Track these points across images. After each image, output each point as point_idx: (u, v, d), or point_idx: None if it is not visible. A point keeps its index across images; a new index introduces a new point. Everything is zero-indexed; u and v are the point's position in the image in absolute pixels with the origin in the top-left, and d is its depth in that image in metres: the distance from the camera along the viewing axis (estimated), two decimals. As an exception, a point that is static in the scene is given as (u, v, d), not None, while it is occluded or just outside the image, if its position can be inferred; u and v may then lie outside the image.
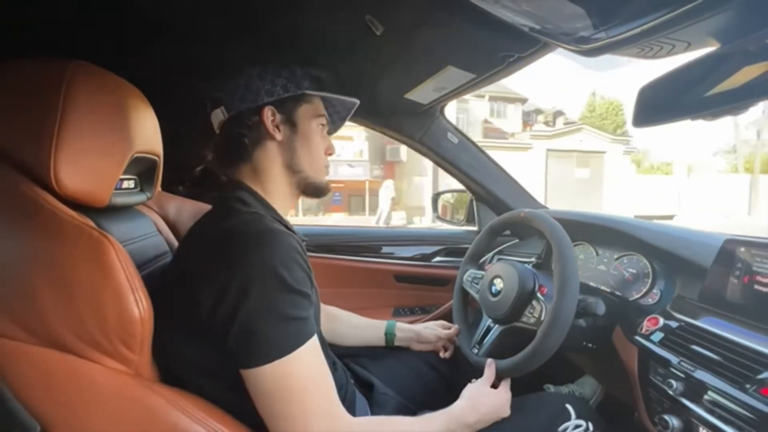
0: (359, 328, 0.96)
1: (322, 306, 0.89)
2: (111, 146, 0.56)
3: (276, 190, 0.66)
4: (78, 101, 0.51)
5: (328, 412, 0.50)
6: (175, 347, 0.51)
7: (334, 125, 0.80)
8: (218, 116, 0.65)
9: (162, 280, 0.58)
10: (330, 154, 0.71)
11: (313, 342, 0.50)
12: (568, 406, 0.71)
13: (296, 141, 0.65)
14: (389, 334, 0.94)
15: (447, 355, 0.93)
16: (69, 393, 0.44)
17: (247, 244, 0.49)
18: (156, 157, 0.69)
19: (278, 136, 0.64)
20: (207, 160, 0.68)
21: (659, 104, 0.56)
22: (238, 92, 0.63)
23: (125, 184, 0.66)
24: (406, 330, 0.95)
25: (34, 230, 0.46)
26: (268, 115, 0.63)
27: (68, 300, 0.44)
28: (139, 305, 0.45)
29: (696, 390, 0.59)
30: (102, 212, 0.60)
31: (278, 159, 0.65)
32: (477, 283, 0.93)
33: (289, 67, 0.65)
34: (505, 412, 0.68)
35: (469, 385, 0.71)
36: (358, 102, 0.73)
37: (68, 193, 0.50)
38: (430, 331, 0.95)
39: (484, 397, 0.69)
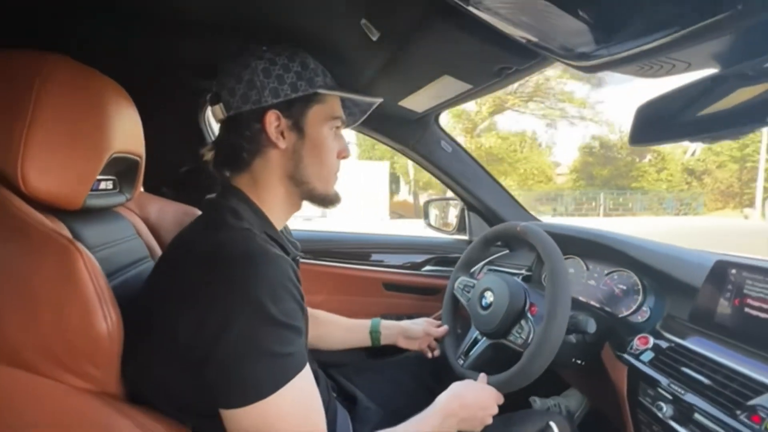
0: (344, 330, 0.94)
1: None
2: (87, 145, 0.53)
3: (274, 201, 0.59)
4: (52, 96, 0.48)
5: None
6: (148, 367, 0.48)
7: (353, 117, 0.72)
8: (217, 113, 0.58)
9: (141, 292, 0.54)
10: (344, 157, 0.63)
11: (302, 375, 0.46)
12: (552, 424, 0.72)
13: (303, 149, 0.58)
14: (374, 333, 0.92)
15: (435, 354, 0.92)
16: (25, 414, 0.40)
17: (233, 268, 0.44)
18: (137, 158, 0.66)
19: (282, 144, 0.57)
20: (204, 160, 0.62)
21: (655, 124, 0.56)
22: (239, 90, 0.55)
23: (102, 185, 0.62)
24: (392, 327, 0.92)
25: None
26: (272, 120, 0.55)
27: (30, 312, 0.41)
28: (107, 320, 0.42)
29: (686, 414, 0.58)
30: (75, 215, 0.56)
31: (280, 169, 0.58)
32: (468, 292, 0.92)
33: (301, 58, 0.58)
34: (491, 407, 0.67)
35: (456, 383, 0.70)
36: (380, 100, 0.67)
37: (37, 195, 0.47)
38: (417, 326, 0.93)
39: (468, 387, 0.68)
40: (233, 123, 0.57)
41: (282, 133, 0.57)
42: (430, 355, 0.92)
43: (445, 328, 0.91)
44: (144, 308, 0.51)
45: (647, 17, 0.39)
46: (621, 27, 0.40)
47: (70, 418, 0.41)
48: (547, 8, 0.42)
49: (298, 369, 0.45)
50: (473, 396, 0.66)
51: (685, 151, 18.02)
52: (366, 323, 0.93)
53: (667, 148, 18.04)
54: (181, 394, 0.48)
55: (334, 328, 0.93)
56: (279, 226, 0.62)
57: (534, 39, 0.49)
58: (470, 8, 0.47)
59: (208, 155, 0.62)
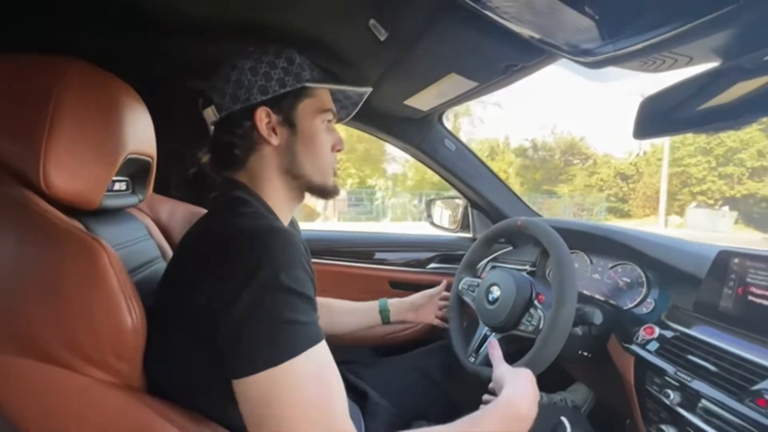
0: (354, 313, 0.96)
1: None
2: (104, 147, 0.54)
3: (275, 196, 0.60)
4: (71, 100, 0.49)
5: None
6: (166, 360, 0.48)
7: (345, 110, 0.72)
8: (210, 116, 0.59)
9: (156, 288, 0.54)
10: (338, 150, 0.63)
11: (318, 349, 0.44)
12: (564, 419, 0.72)
13: (296, 144, 0.58)
14: (384, 311, 0.94)
15: (442, 313, 0.99)
16: (55, 406, 0.41)
17: (246, 240, 0.45)
18: (149, 159, 0.67)
19: (274, 141, 0.57)
20: (202, 162, 0.63)
21: (659, 117, 0.57)
22: (228, 90, 0.56)
23: (117, 186, 0.63)
24: (398, 303, 0.96)
25: (22, 234, 0.43)
26: (262, 117, 0.56)
27: (57, 309, 0.41)
28: (132, 314, 0.43)
29: (693, 400, 0.59)
30: (92, 215, 0.57)
31: (276, 165, 0.58)
32: (473, 291, 0.93)
33: (287, 54, 0.58)
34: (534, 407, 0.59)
35: (499, 371, 0.64)
36: (371, 89, 0.66)
37: (58, 195, 0.48)
38: (420, 297, 0.98)
39: (524, 383, 0.61)
40: (225, 123, 0.58)
41: (273, 129, 0.57)
42: (439, 324, 0.96)
43: (443, 285, 0.98)
44: (159, 302, 0.52)
45: (653, 13, 0.40)
46: (627, 23, 0.42)
47: (95, 411, 0.42)
48: (554, 5, 0.43)
49: (313, 340, 0.43)
50: (528, 391, 0.60)
51: (630, 154, 17.80)
52: (374, 304, 0.96)
53: (600, 152, 17.95)
54: (196, 377, 0.48)
55: (345, 313, 0.95)
56: (284, 220, 0.62)
57: (540, 36, 0.50)
58: (478, 7, 0.48)
59: (205, 158, 0.62)
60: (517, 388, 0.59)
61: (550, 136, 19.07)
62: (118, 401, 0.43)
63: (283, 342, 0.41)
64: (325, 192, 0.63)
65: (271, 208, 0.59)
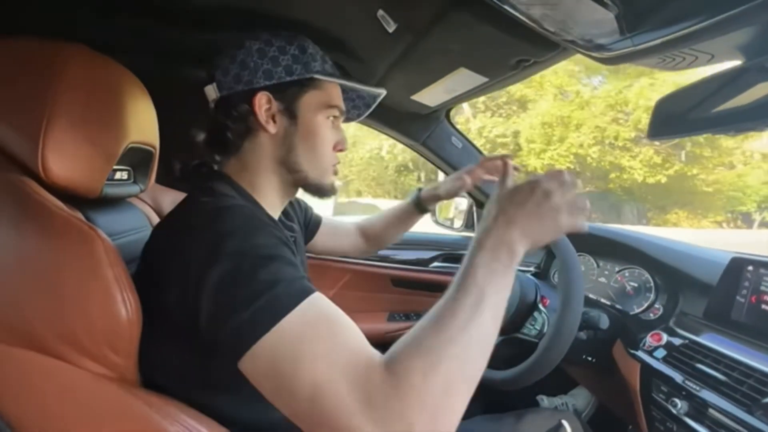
0: (389, 227, 0.94)
1: (347, 227, 0.93)
2: (105, 135, 0.53)
3: (265, 187, 0.57)
4: (72, 86, 0.48)
5: (354, 367, 0.37)
6: (156, 353, 0.46)
7: (357, 110, 0.70)
8: (210, 93, 0.56)
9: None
10: (341, 150, 0.60)
11: (313, 300, 0.40)
12: (564, 423, 0.71)
13: (295, 136, 0.55)
14: (418, 205, 0.88)
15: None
16: (46, 398, 0.40)
17: (198, 223, 0.43)
18: (152, 149, 0.66)
19: (272, 129, 0.54)
20: (196, 142, 0.60)
21: (674, 117, 0.55)
22: (232, 70, 0.54)
23: (118, 175, 0.63)
24: (430, 189, 0.87)
25: (18, 222, 0.43)
26: (262, 102, 0.53)
27: (51, 298, 0.41)
28: (127, 305, 0.42)
29: (701, 410, 0.58)
30: (92, 204, 0.57)
31: (270, 154, 0.55)
32: None
33: (299, 42, 0.55)
34: (558, 189, 0.45)
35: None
36: (384, 92, 0.64)
37: (57, 183, 0.47)
38: (450, 184, 0.83)
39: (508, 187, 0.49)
40: (224, 103, 0.55)
41: (273, 117, 0.55)
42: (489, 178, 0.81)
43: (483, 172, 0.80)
44: (141, 296, 0.49)
45: (675, 6, 0.38)
46: (647, 16, 0.40)
47: (90, 403, 0.41)
48: (571, -3, 0.41)
49: (303, 293, 0.39)
50: (525, 190, 0.46)
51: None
52: (404, 205, 0.91)
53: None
54: (191, 374, 0.47)
55: (385, 228, 0.94)
56: (274, 214, 0.59)
57: (555, 30, 0.48)
58: (491, -2, 0.46)
59: (199, 137, 0.60)
60: (492, 203, 0.48)
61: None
62: (112, 394, 0.42)
63: (269, 305, 0.38)
64: (322, 191, 0.60)
65: (257, 200, 0.56)
